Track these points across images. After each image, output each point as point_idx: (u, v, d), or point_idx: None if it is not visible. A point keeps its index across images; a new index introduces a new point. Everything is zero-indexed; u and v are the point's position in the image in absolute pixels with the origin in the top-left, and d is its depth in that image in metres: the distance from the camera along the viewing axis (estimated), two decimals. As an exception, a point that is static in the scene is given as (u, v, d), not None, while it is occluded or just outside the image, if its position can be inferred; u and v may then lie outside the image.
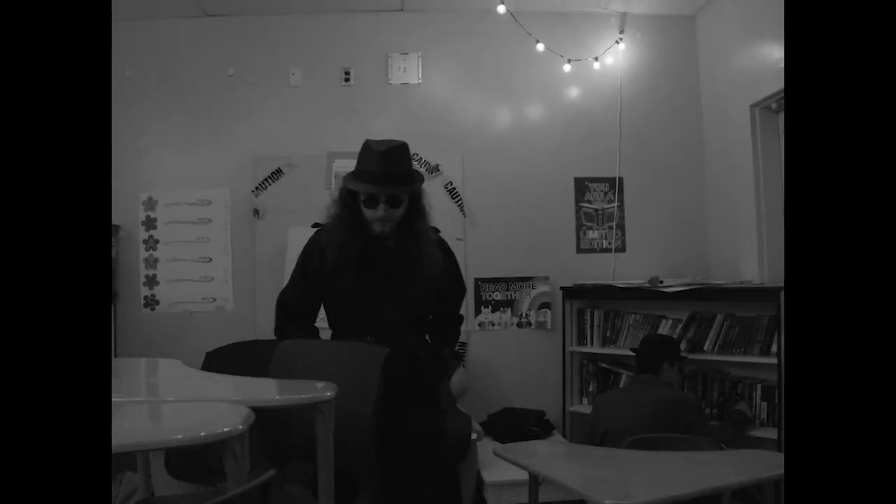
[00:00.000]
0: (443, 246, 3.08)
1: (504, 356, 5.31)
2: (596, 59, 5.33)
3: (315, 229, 2.97)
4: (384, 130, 5.31)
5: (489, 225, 5.30)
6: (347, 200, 2.84)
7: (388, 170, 2.79)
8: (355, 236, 2.82)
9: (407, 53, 5.39)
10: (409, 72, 5.38)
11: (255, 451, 2.09)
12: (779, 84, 4.35)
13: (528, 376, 5.28)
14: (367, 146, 2.85)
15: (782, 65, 4.23)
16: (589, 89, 5.37)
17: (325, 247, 2.85)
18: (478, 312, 5.27)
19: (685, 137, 5.42)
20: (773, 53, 4.45)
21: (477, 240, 5.30)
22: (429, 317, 3.07)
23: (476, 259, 5.28)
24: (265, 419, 2.14)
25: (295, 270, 2.98)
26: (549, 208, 5.34)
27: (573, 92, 5.40)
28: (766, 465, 3.36)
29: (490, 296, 5.28)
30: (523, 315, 5.30)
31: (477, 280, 5.29)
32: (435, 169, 5.27)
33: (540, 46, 5.19)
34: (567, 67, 5.29)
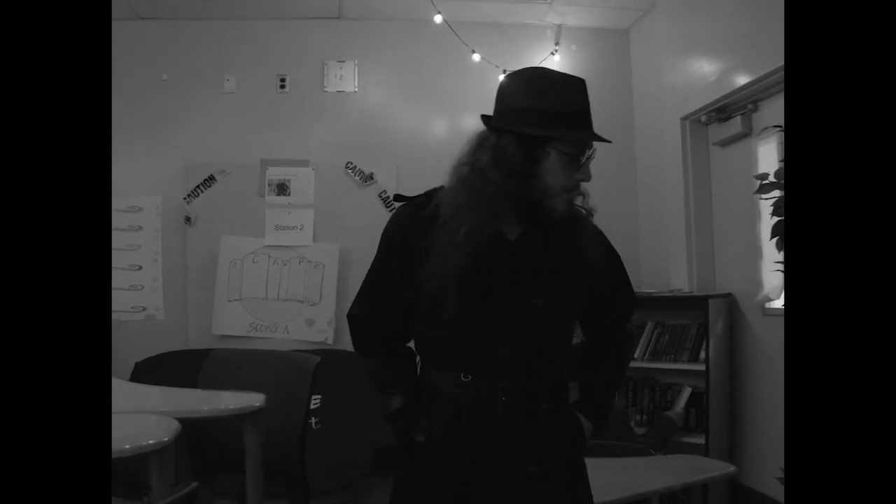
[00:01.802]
0: (604, 240, 2.00)
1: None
2: (531, 70, 5.38)
3: (400, 203, 1.97)
4: (319, 138, 5.30)
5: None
6: (516, 154, 1.76)
7: (588, 111, 1.82)
8: (517, 216, 1.83)
9: (343, 61, 5.37)
10: (345, 80, 5.36)
11: (183, 463, 2.05)
12: (708, 98, 4.45)
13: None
14: (547, 75, 1.85)
15: (713, 79, 4.36)
16: (524, 100, 5.41)
17: (442, 225, 1.78)
18: (412, 321, 5.26)
19: (618, 149, 5.47)
20: (704, 68, 4.55)
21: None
22: (570, 342, 1.96)
23: (411, 268, 5.25)
24: (194, 431, 2.11)
25: (372, 265, 1.98)
26: (484, 218, 5.36)
27: (508, 102, 5.43)
28: (693, 469, 3.42)
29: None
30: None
31: (412, 289, 5.27)
32: (369, 178, 5.26)
33: (476, 57, 5.22)
34: (502, 78, 5.32)
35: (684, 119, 4.76)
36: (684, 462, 3.62)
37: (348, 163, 5.25)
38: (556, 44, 5.42)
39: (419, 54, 5.39)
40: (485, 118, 1.87)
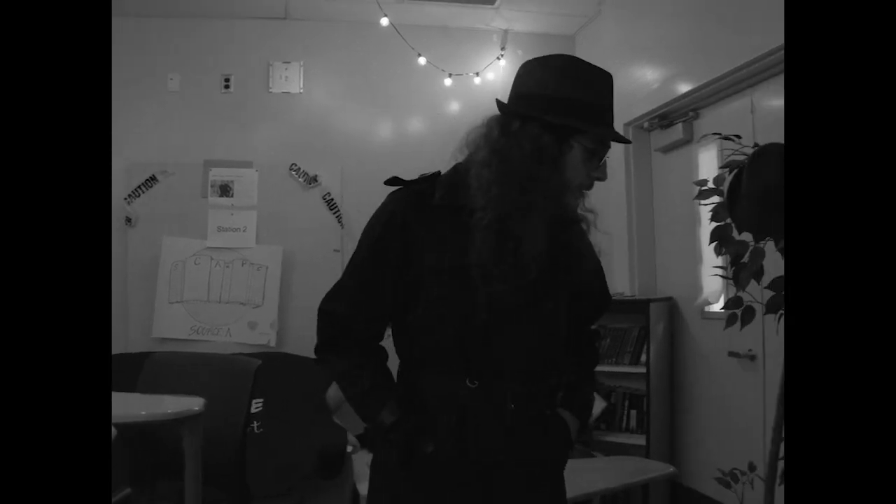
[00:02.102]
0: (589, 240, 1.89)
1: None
2: (477, 74, 5.41)
3: (395, 188, 1.77)
4: (263, 140, 5.26)
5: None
6: (547, 143, 1.64)
7: (613, 107, 1.76)
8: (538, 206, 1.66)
9: (289, 62, 5.33)
10: (290, 81, 5.32)
11: (121, 470, 2.01)
12: (651, 104, 4.52)
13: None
14: (580, 64, 1.73)
15: (656, 86, 4.43)
16: (469, 104, 5.43)
17: (455, 214, 1.66)
18: (356, 324, 5.23)
19: (562, 154, 5.54)
20: (647, 75, 4.62)
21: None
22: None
23: (355, 271, 5.24)
24: (133, 436, 2.07)
25: (357, 254, 1.77)
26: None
27: (454, 106, 5.45)
28: (634, 471, 3.47)
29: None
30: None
31: (356, 292, 5.25)
32: (313, 180, 5.22)
33: (422, 60, 5.22)
34: (448, 82, 5.34)
35: (627, 125, 4.83)
36: (625, 463, 3.66)
37: (292, 164, 5.21)
38: (503, 49, 5.45)
39: (365, 56, 5.37)
40: (501, 104, 1.73)
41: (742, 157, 2.41)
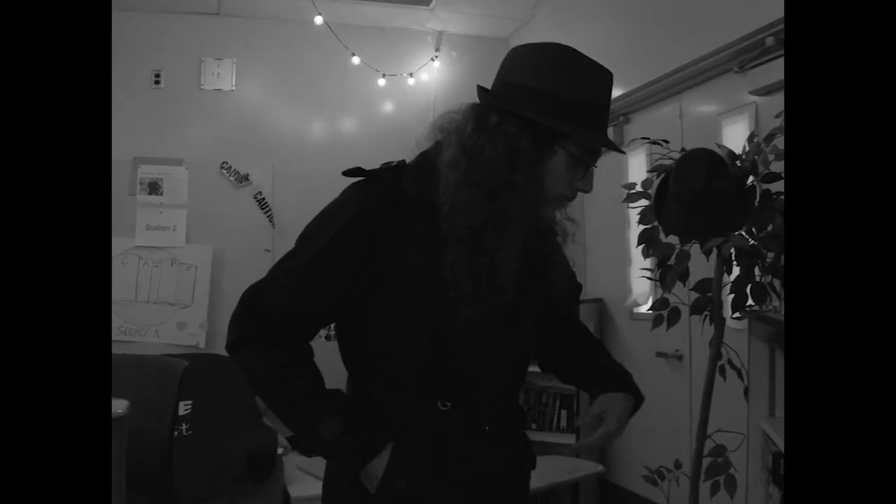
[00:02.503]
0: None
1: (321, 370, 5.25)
2: (411, 74, 5.41)
3: (356, 179, 1.54)
4: (194, 137, 5.17)
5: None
6: (526, 146, 1.43)
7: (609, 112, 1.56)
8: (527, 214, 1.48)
9: (221, 59, 5.25)
10: (222, 78, 5.24)
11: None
12: (582, 108, 4.57)
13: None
14: (579, 58, 1.48)
15: (585, 90, 4.48)
16: (403, 104, 5.43)
17: (426, 214, 1.46)
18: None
19: (495, 156, 5.58)
20: (578, 79, 4.67)
21: (286, 251, 5.20)
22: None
23: (287, 271, 5.19)
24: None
25: (305, 247, 1.53)
26: (362, 221, 5.35)
27: (387, 106, 5.45)
28: (564, 470, 3.51)
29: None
30: (331, 328, 5.26)
31: (288, 292, 5.21)
32: (245, 178, 5.16)
33: (356, 59, 5.20)
34: (382, 82, 5.33)
35: (560, 128, 4.87)
36: (556, 463, 3.70)
37: (223, 163, 5.14)
38: (437, 50, 5.46)
39: (299, 55, 5.33)
40: (482, 90, 1.52)
41: (669, 162, 2.46)
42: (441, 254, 1.43)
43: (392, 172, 1.52)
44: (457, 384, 1.49)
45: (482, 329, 1.46)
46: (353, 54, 5.19)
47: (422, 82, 5.43)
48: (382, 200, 1.47)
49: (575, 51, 1.48)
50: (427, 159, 1.53)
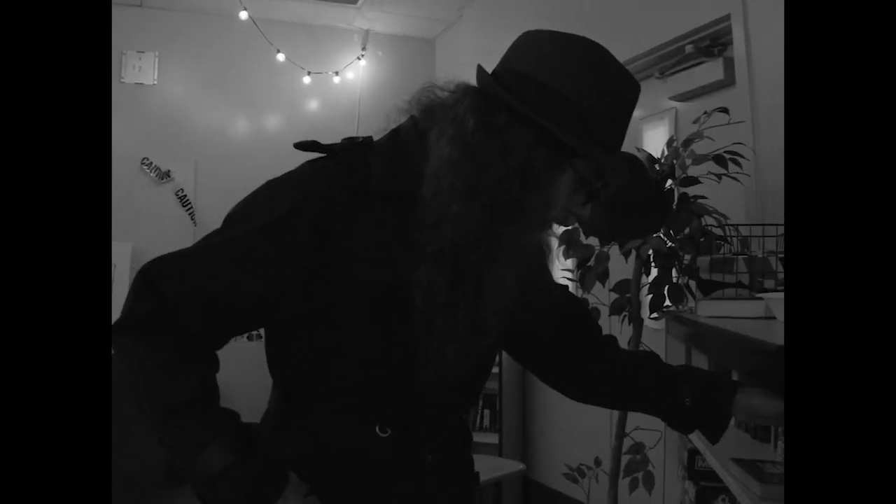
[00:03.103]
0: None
1: (240, 372, 5.18)
2: (337, 73, 5.38)
3: (319, 156, 1.27)
4: (114, 132, 5.04)
5: (224, 234, 5.16)
6: (540, 163, 1.17)
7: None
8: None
9: (143, 52, 5.14)
10: (144, 71, 5.13)
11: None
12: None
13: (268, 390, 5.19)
14: (617, 67, 1.22)
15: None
16: (328, 103, 5.40)
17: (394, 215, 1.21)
18: (210, 324, 5.11)
19: (421, 156, 5.60)
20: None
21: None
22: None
23: (209, 269, 5.12)
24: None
25: (235, 225, 1.23)
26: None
27: (312, 104, 5.41)
28: (486, 468, 3.53)
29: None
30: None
31: (210, 291, 5.14)
32: (166, 175, 5.06)
33: (281, 56, 5.16)
34: (307, 79, 5.30)
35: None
36: (478, 461, 3.71)
37: (144, 159, 5.03)
38: (363, 49, 5.45)
39: (223, 50, 5.25)
40: (483, 74, 1.23)
41: (592, 165, 2.50)
42: (412, 266, 1.17)
43: (358, 151, 1.24)
44: (398, 409, 1.27)
45: (446, 362, 1.22)
46: (279, 51, 5.14)
47: (347, 81, 5.41)
48: (344, 186, 1.19)
49: (608, 53, 1.21)
50: (399, 140, 1.25)
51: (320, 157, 1.25)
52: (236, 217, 1.23)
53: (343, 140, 1.26)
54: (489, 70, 1.26)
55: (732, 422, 1.46)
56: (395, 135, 1.26)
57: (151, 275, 1.17)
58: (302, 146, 1.27)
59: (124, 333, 1.17)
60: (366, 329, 1.22)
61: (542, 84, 1.16)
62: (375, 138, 1.29)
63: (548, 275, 1.49)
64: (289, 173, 1.25)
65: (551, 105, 1.15)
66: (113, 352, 1.15)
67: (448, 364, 1.22)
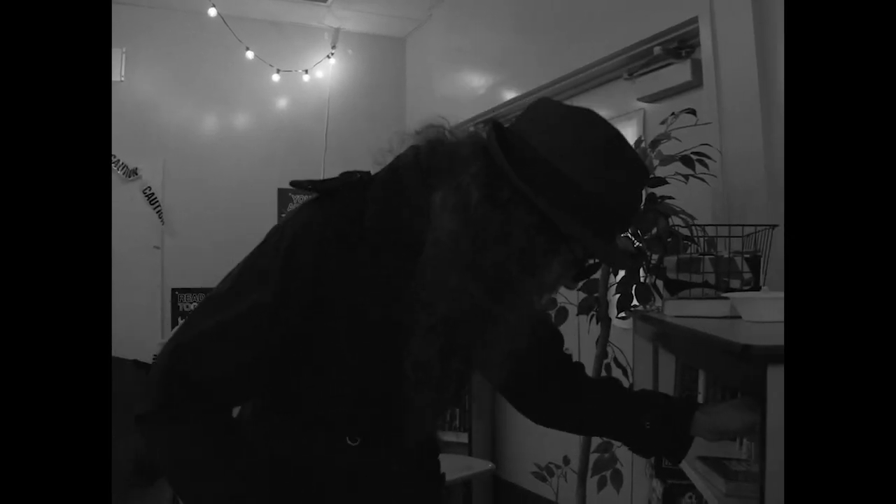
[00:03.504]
0: None
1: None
2: (306, 71, 5.36)
3: (313, 197, 1.24)
4: (79, 128, 4.98)
5: (189, 233, 5.12)
6: (537, 246, 1.15)
7: None
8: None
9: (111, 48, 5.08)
10: (112, 67, 5.08)
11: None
12: (477, 110, 4.62)
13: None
14: (624, 151, 1.20)
15: (482, 92, 4.54)
16: (297, 101, 5.38)
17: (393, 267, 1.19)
18: (174, 324, 5.07)
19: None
20: (474, 81, 4.73)
21: (175, 248, 5.10)
22: None
23: (174, 268, 5.09)
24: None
25: (246, 292, 1.19)
26: (252, 219, 5.25)
27: (282, 102, 5.38)
28: (456, 468, 3.53)
29: (188, 306, 5.10)
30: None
31: (174, 290, 5.09)
32: (133, 173, 5.01)
33: (250, 54, 5.13)
34: (276, 77, 5.27)
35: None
36: (448, 461, 3.72)
37: (111, 156, 4.98)
38: (333, 47, 5.43)
39: (192, 47, 5.20)
40: (494, 144, 1.16)
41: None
42: (403, 315, 1.17)
43: (355, 193, 1.20)
44: (370, 422, 1.27)
45: (426, 415, 1.27)
46: (248, 48, 5.11)
47: (317, 79, 5.39)
48: (339, 232, 1.17)
49: (623, 140, 1.19)
50: (396, 178, 1.21)
51: (316, 199, 1.23)
52: (244, 278, 1.21)
53: (341, 174, 1.24)
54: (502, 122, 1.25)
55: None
56: (394, 174, 1.22)
57: (177, 360, 1.17)
58: (296, 184, 1.24)
59: (160, 424, 1.19)
60: (351, 369, 1.22)
61: (556, 169, 1.13)
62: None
63: (544, 325, 1.52)
64: (289, 222, 1.22)
65: (560, 192, 1.12)
66: (153, 441, 1.20)
67: (427, 416, 1.26)
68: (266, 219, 5.30)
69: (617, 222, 1.21)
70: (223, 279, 1.24)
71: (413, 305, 1.16)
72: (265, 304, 1.16)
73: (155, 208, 5.04)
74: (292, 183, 1.26)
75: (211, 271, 5.53)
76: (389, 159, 1.25)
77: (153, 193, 5.03)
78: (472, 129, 1.25)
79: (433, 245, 1.14)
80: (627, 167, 1.18)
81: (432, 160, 1.18)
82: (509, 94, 4.31)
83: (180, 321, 5.02)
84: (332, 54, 5.43)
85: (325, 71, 5.41)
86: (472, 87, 4.73)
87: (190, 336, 1.18)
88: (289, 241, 1.18)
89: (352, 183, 1.22)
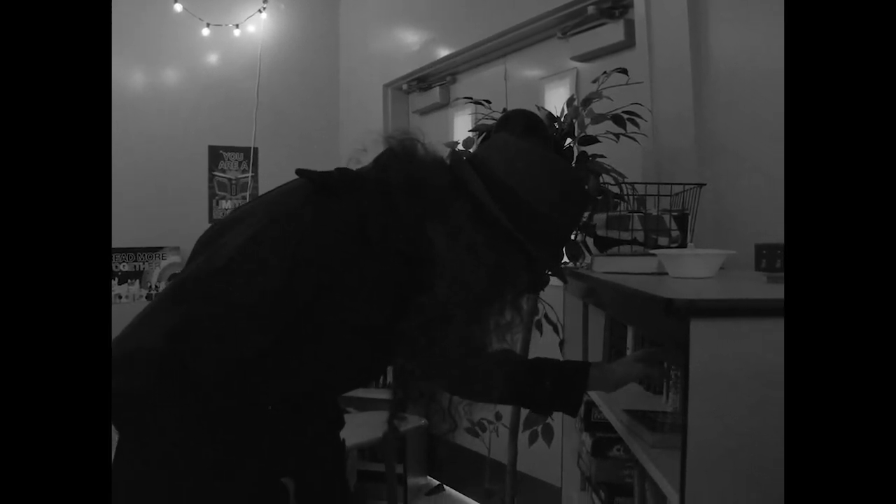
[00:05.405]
0: None
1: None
2: (237, 26, 5.24)
3: (310, 189, 1.30)
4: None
5: (116, 191, 4.97)
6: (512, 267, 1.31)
7: None
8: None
9: None
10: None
11: None
12: (411, 67, 4.60)
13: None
14: (585, 195, 1.44)
15: (415, 49, 4.51)
16: (228, 56, 5.26)
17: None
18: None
19: (323, 111, 5.52)
20: (409, 37, 4.69)
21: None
22: None
23: (104, 227, 4.97)
24: None
25: (255, 273, 1.19)
26: (182, 176, 5.16)
27: (212, 58, 5.26)
28: (387, 424, 3.55)
29: (117, 267, 4.99)
30: (153, 287, 5.09)
31: (104, 249, 4.99)
32: (58, 128, 4.86)
33: (178, 7, 4.99)
34: (206, 32, 5.14)
35: (387, 86, 4.89)
36: (379, 417, 3.75)
37: (32, 111, 4.82)
38: (265, 1, 5.31)
39: (117, 0, 5.05)
40: (473, 177, 1.30)
41: (491, 122, 2.52)
42: (390, 311, 1.26)
43: (352, 194, 1.27)
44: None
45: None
46: (176, 1, 4.97)
47: (248, 34, 5.27)
48: (343, 231, 1.22)
49: (579, 176, 1.32)
50: (388, 177, 1.30)
51: (318, 192, 1.27)
52: (253, 258, 1.20)
53: (336, 170, 1.31)
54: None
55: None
56: (381, 168, 1.33)
57: (180, 340, 1.13)
58: (303, 174, 1.31)
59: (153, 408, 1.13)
60: (335, 364, 1.29)
61: (535, 211, 1.28)
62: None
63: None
64: (294, 214, 1.25)
65: (538, 229, 1.29)
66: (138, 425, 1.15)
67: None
68: (196, 176, 5.21)
69: (563, 242, 1.40)
70: (212, 256, 1.23)
71: (407, 313, 1.25)
72: (273, 290, 1.18)
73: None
74: (298, 171, 1.32)
75: (138, 230, 5.41)
76: (366, 159, 1.36)
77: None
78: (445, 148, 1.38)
79: (442, 265, 1.23)
80: (584, 199, 1.38)
81: (414, 170, 1.30)
82: (443, 52, 4.29)
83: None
84: (264, 9, 5.31)
85: (256, 26, 5.29)
86: (406, 44, 4.69)
87: (196, 323, 1.16)
88: (299, 234, 1.21)
89: (347, 182, 1.29)
